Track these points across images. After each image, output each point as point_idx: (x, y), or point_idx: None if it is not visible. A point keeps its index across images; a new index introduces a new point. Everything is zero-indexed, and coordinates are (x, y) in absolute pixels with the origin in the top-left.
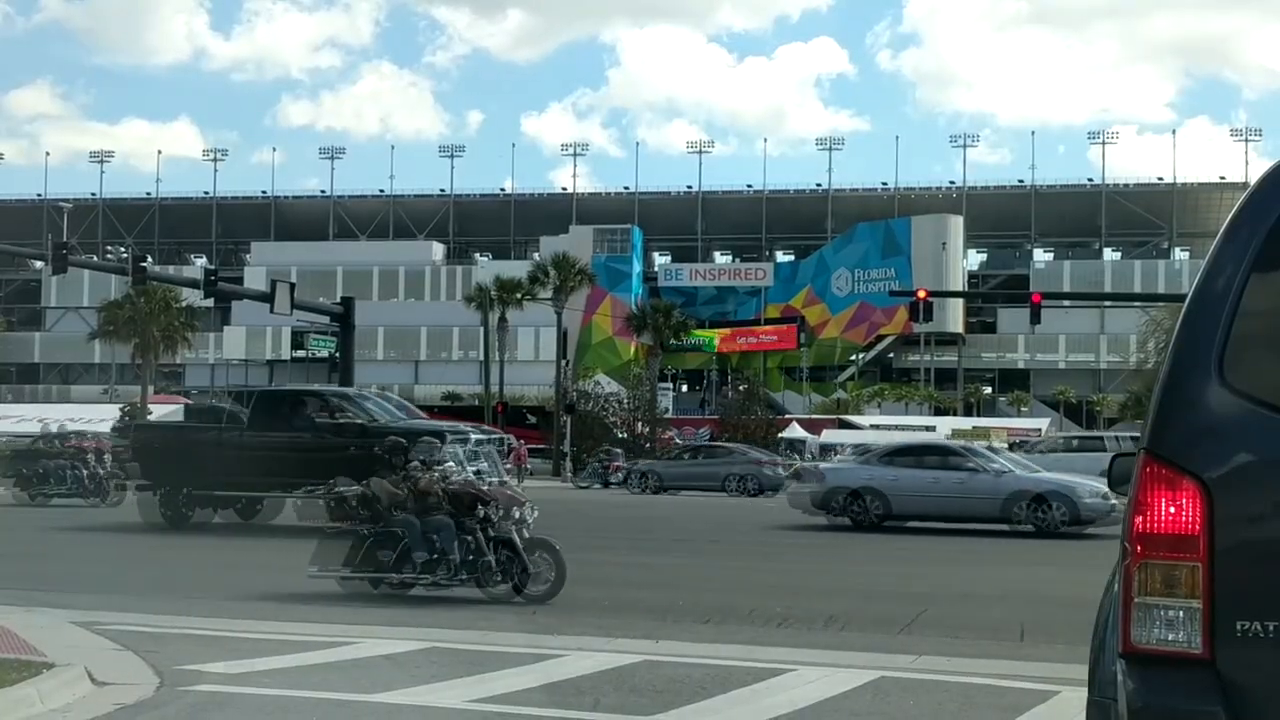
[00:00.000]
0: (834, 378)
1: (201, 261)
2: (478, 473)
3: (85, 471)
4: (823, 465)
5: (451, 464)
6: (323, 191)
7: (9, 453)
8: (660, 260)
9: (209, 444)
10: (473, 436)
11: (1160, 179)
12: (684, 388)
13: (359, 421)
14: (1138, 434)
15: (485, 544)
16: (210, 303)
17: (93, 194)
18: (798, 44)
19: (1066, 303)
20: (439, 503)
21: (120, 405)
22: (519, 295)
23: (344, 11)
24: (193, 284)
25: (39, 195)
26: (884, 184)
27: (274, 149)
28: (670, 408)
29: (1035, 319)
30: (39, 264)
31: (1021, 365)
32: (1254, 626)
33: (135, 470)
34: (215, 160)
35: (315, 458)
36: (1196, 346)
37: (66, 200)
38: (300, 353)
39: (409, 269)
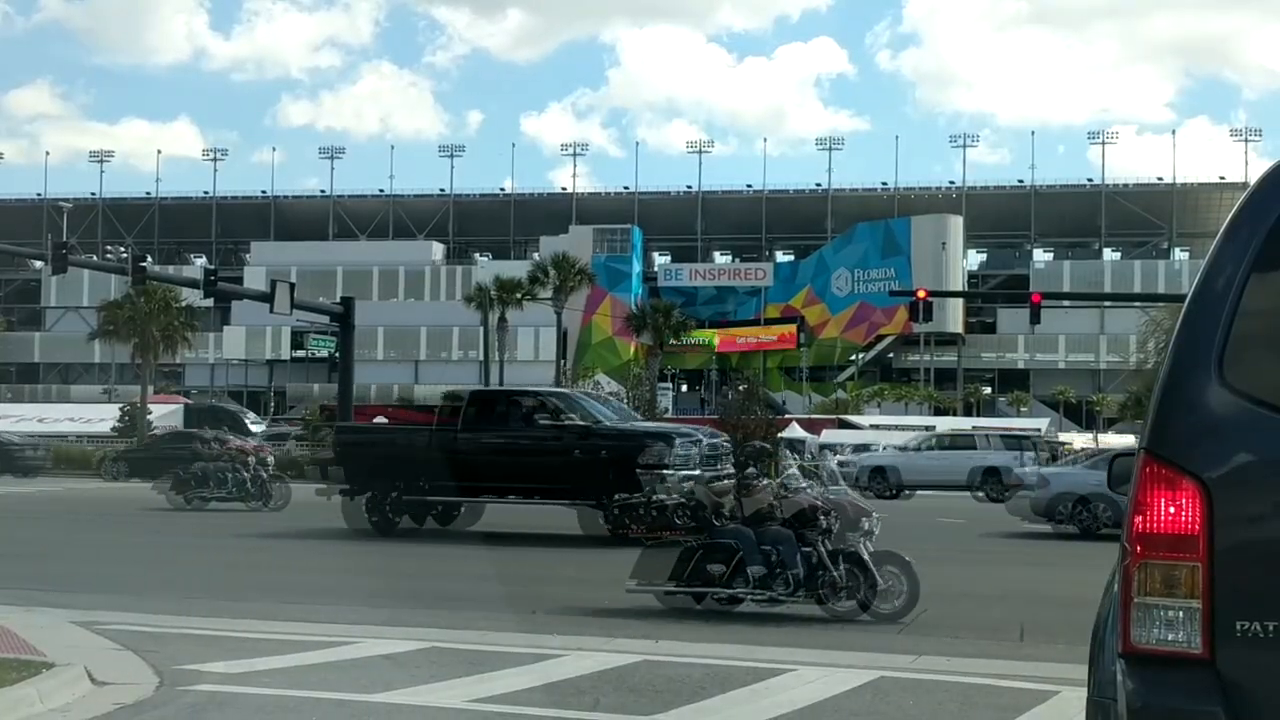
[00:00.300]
0: (834, 378)
1: (201, 261)
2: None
3: (247, 474)
4: (1046, 470)
5: (794, 471)
6: (323, 191)
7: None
8: (660, 260)
9: (420, 446)
10: (704, 440)
11: (1160, 179)
12: (684, 387)
13: (582, 423)
14: (1017, 433)
15: (827, 557)
16: (210, 303)
17: (93, 194)
18: (797, 44)
19: (1066, 303)
20: (771, 512)
21: (120, 405)
22: (519, 295)
23: (344, 11)
24: (192, 284)
25: (39, 195)
26: (884, 184)
27: (274, 149)
28: (670, 408)
29: (1035, 319)
30: (39, 264)
31: (1021, 365)
32: (1254, 626)
33: (338, 474)
34: (215, 160)
35: (537, 462)
36: (1196, 346)
37: (66, 200)
38: (300, 352)
39: (409, 269)
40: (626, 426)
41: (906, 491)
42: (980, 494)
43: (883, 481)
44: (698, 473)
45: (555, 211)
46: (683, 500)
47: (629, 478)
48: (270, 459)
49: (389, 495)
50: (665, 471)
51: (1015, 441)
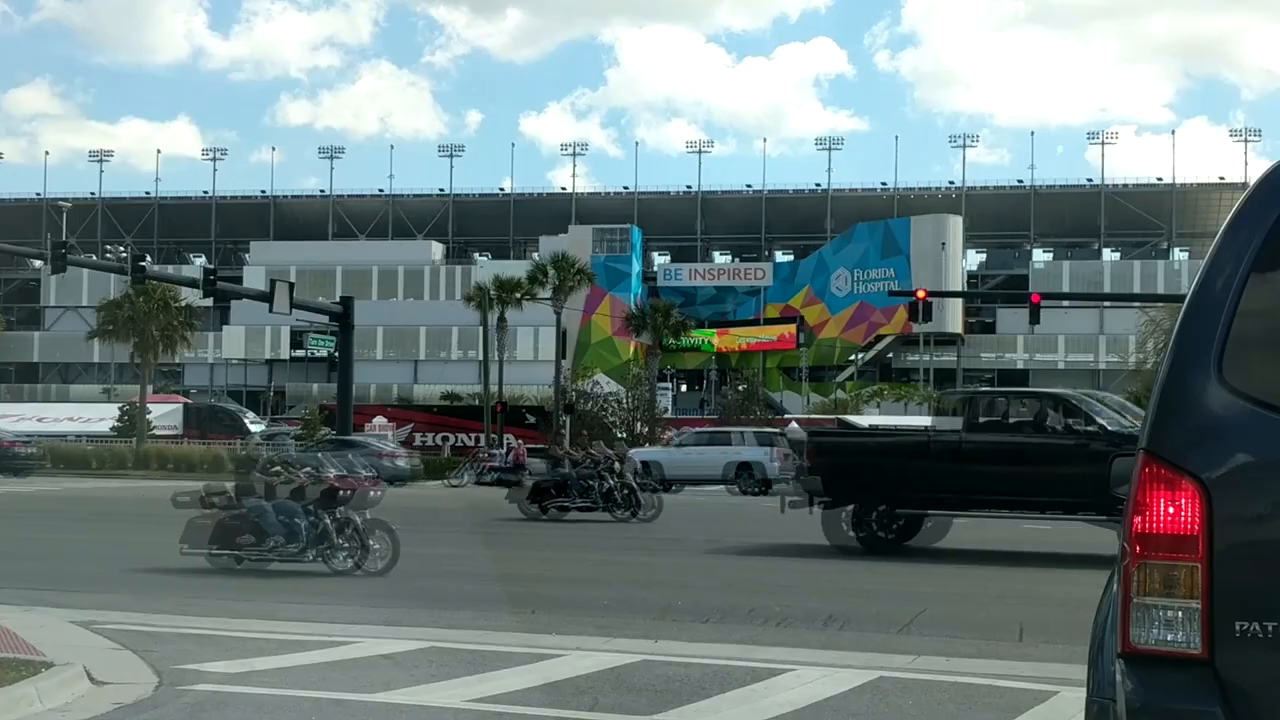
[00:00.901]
0: (833, 378)
1: (201, 261)
2: None
3: (612, 481)
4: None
5: None
6: (322, 191)
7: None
8: (659, 260)
9: (914, 454)
10: None
11: (1159, 179)
12: (683, 387)
13: (1113, 429)
14: (769, 430)
15: None
16: (209, 302)
17: (92, 193)
18: (796, 44)
19: (1066, 303)
20: None
21: (119, 405)
22: (518, 295)
23: (343, 11)
24: (192, 283)
25: (38, 194)
26: (883, 184)
27: (273, 148)
28: (670, 407)
29: (1034, 319)
30: (38, 263)
31: (1020, 365)
32: (1253, 627)
33: (815, 484)
34: (214, 160)
35: (1061, 472)
36: (1196, 346)
37: (66, 199)
38: (299, 352)
39: (408, 269)
40: None
41: (674, 486)
42: (735, 488)
43: (649, 475)
44: None
45: (555, 211)
46: None
47: None
48: (639, 464)
49: (876, 507)
50: None
51: (768, 437)
